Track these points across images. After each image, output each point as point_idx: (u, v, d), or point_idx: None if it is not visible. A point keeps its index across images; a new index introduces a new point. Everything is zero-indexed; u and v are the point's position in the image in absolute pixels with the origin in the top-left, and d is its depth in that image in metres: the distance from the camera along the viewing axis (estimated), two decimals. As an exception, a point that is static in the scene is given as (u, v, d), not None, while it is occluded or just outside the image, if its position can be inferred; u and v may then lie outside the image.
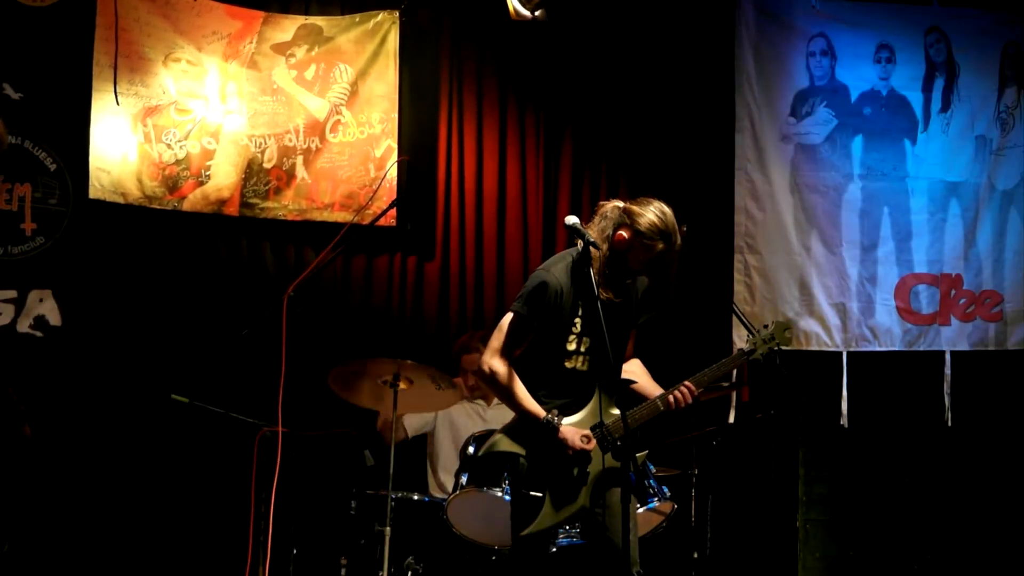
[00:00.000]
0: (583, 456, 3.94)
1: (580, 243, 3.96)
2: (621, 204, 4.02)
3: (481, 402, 5.61)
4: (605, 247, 3.94)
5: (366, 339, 5.94)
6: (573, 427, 3.95)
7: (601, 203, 4.08)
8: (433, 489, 5.51)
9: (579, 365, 4.02)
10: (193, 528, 5.59)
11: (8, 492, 3.37)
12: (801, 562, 6.20)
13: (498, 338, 4.00)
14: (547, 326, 3.97)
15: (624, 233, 3.94)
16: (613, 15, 6.37)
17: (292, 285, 5.03)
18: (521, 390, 3.97)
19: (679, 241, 3.96)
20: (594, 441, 3.95)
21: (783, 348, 4.18)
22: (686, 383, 4.02)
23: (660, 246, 3.92)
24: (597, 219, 4.01)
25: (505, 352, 3.98)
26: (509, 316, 4.01)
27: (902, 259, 6.31)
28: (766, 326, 4.21)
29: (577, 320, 3.99)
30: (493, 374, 3.97)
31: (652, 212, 3.94)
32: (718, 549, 5.49)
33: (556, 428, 3.92)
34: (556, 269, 4.00)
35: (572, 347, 4.00)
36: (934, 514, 6.27)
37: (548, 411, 3.94)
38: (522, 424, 4.00)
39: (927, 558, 6.26)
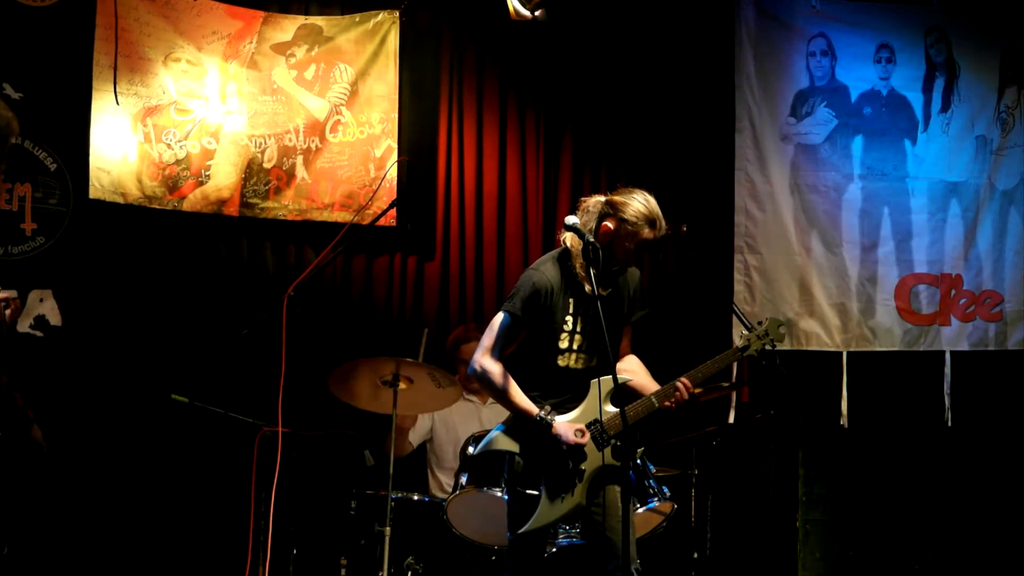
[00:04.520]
0: (578, 452, 3.94)
1: (568, 241, 3.97)
2: (603, 198, 4.04)
3: (476, 399, 5.61)
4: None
5: (366, 339, 5.94)
6: (567, 423, 3.96)
7: (583, 199, 4.10)
8: (433, 489, 5.51)
9: (572, 363, 4.03)
10: (193, 528, 5.59)
11: (9, 496, 3.37)
12: (801, 562, 6.20)
13: (490, 337, 4.02)
14: (539, 325, 3.98)
15: (609, 224, 3.95)
16: (613, 15, 6.38)
17: (292, 285, 5.02)
18: (514, 388, 3.98)
19: (664, 226, 3.98)
20: (588, 435, 3.95)
21: (777, 344, 4.19)
22: (681, 379, 4.03)
23: (646, 232, 3.94)
24: (580, 215, 4.02)
25: (496, 351, 3.99)
26: (500, 316, 4.02)
27: (902, 259, 6.31)
28: (760, 323, 4.22)
29: (568, 318, 4.00)
30: (485, 373, 3.98)
31: (636, 200, 3.96)
32: (718, 549, 5.50)
33: (549, 425, 3.92)
34: (546, 268, 4.02)
35: (565, 345, 4.01)
36: (934, 514, 6.27)
37: (541, 408, 3.95)
38: (517, 422, 4.01)
39: (927, 558, 6.26)
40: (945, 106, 6.38)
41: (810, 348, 6.25)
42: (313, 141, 5.98)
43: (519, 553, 4.00)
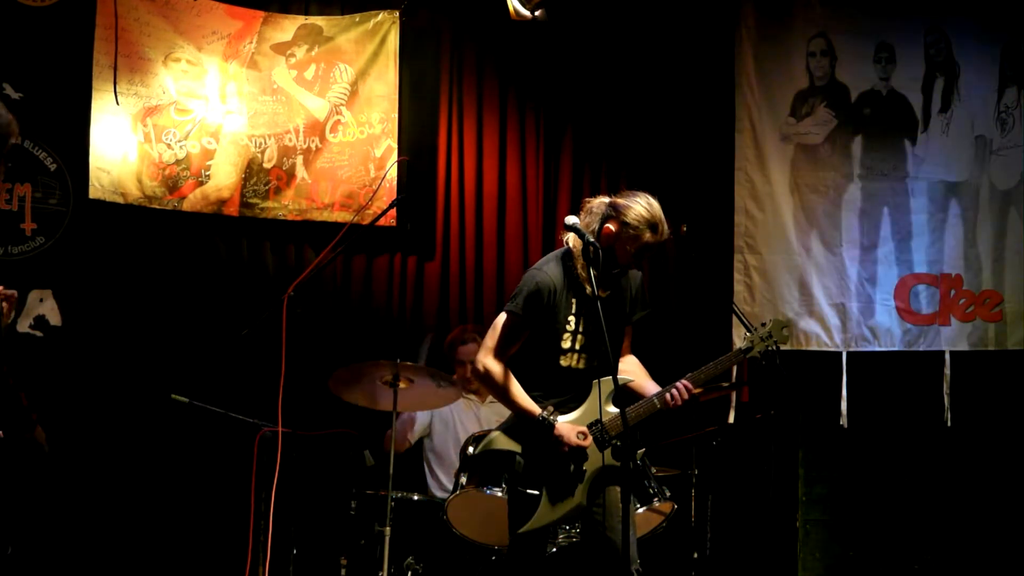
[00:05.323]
0: (579, 453, 3.94)
1: (571, 242, 3.98)
2: (607, 199, 4.03)
3: (474, 398, 5.62)
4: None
5: (366, 339, 5.94)
6: (569, 424, 3.96)
7: (587, 199, 4.09)
8: (434, 488, 5.51)
9: (574, 363, 4.03)
10: (193, 528, 5.59)
11: (12, 496, 3.38)
12: (801, 562, 6.20)
13: (492, 337, 4.01)
14: (542, 325, 3.98)
15: (611, 226, 3.95)
16: (613, 15, 6.38)
17: (292, 285, 5.02)
18: (516, 388, 3.98)
19: (666, 231, 3.97)
20: (590, 438, 3.96)
21: (781, 346, 4.18)
22: (683, 381, 4.02)
23: (647, 236, 3.93)
24: (583, 215, 4.02)
25: (500, 351, 3.99)
26: (503, 316, 4.02)
27: (902, 259, 6.31)
28: (764, 324, 4.22)
29: (571, 318, 4.00)
30: (488, 373, 3.98)
31: (639, 203, 3.95)
32: (718, 549, 5.49)
33: (552, 425, 3.92)
34: (549, 267, 4.02)
35: (567, 345, 4.01)
36: (934, 514, 6.27)
37: (544, 408, 3.95)
38: (519, 422, 4.01)
39: (927, 558, 6.26)
40: (945, 106, 6.38)
41: (810, 348, 6.24)
42: (313, 141, 5.98)
43: (519, 553, 4.01)
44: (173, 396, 5.02)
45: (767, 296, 6.24)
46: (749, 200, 6.28)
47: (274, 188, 5.93)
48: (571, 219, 3.91)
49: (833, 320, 6.25)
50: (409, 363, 4.80)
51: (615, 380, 3.76)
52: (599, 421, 3.97)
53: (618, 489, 3.91)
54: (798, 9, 6.36)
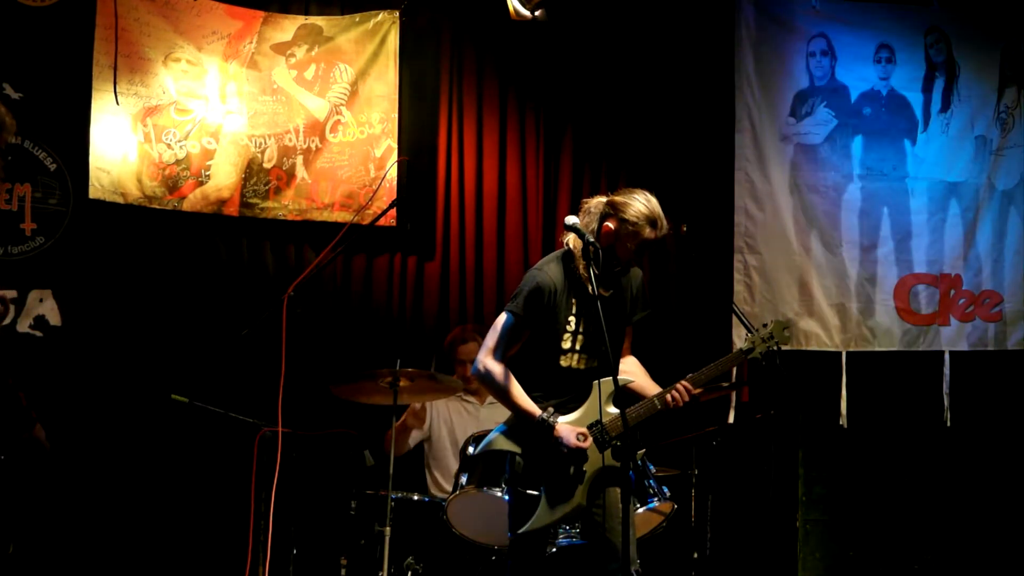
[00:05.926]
0: (579, 454, 3.94)
1: (571, 242, 3.98)
2: (605, 198, 4.04)
3: (473, 399, 5.62)
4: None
5: (366, 339, 5.94)
6: (569, 425, 3.96)
7: (585, 200, 4.10)
8: (433, 489, 5.51)
9: (575, 363, 4.03)
10: (193, 528, 5.59)
11: (13, 495, 3.39)
12: (801, 562, 6.20)
13: (493, 338, 4.01)
14: (542, 325, 3.98)
15: (610, 224, 3.96)
16: (613, 15, 6.38)
17: (292, 285, 5.03)
18: (517, 389, 3.98)
19: (665, 226, 3.98)
20: (590, 439, 3.96)
21: (782, 347, 4.18)
22: (684, 381, 4.02)
23: (647, 232, 3.94)
24: (582, 215, 4.03)
25: (500, 352, 3.99)
26: (504, 316, 4.02)
27: (902, 259, 6.31)
28: (765, 325, 4.22)
29: (571, 318, 4.01)
30: (488, 373, 3.98)
31: (637, 200, 3.96)
32: (718, 549, 5.50)
33: (552, 426, 3.92)
34: (549, 268, 4.02)
35: (567, 345, 4.01)
36: (934, 514, 6.28)
37: (544, 409, 3.95)
38: (519, 423, 4.01)
39: (927, 558, 6.26)
40: (945, 106, 6.39)
41: (810, 348, 6.25)
42: (313, 141, 5.98)
43: (519, 553, 4.01)
44: (173, 396, 5.02)
45: (767, 296, 6.24)
46: (749, 200, 6.28)
47: (274, 188, 5.93)
48: (571, 219, 3.91)
49: (833, 320, 6.25)
50: (410, 370, 4.80)
51: (615, 380, 3.76)
52: (599, 422, 3.97)
53: (618, 490, 3.92)
54: (798, 9, 6.36)
